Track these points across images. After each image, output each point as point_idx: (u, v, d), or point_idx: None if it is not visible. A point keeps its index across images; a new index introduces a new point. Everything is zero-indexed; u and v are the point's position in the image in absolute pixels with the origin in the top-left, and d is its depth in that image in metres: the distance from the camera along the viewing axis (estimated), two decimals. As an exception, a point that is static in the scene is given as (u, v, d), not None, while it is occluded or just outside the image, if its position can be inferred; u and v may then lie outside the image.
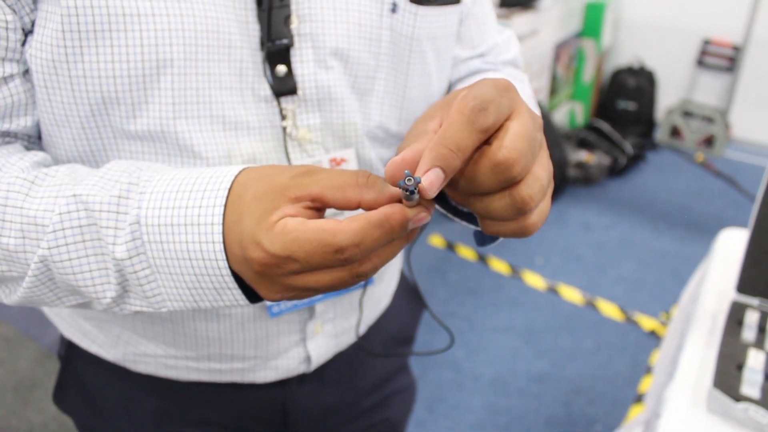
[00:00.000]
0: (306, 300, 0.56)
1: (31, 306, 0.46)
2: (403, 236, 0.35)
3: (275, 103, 0.47)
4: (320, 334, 0.60)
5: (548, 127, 2.69)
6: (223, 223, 0.36)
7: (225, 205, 0.36)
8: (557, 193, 2.83)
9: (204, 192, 0.37)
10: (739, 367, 0.69)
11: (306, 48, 0.46)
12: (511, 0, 2.66)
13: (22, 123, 0.45)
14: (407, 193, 0.32)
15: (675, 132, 3.39)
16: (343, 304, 0.60)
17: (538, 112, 0.47)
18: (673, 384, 0.71)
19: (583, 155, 3.01)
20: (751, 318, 0.77)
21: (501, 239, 0.43)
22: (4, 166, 0.42)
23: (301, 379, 0.63)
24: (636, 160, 3.16)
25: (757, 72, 3.16)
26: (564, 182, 2.87)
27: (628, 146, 3.11)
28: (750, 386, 0.66)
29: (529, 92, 0.58)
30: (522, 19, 2.62)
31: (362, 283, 0.60)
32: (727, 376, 0.67)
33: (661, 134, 3.43)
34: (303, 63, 0.47)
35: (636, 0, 3.40)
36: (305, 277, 0.35)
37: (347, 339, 0.64)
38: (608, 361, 1.91)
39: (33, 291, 0.42)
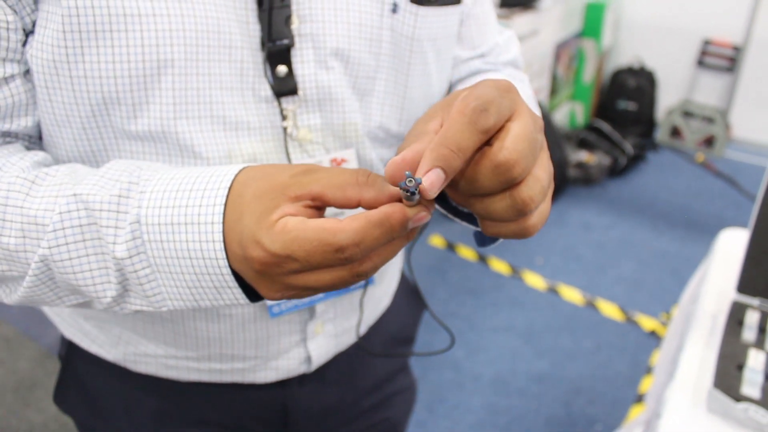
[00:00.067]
0: (306, 300, 0.56)
1: (31, 305, 0.46)
2: (403, 235, 0.35)
3: (276, 103, 0.47)
4: (321, 334, 0.60)
5: (548, 128, 2.69)
6: (224, 222, 0.36)
7: (225, 204, 0.36)
8: (557, 194, 2.83)
9: (204, 191, 0.37)
10: (740, 367, 0.69)
11: (306, 48, 0.46)
12: (512, 0, 2.67)
13: (22, 123, 0.45)
14: (408, 193, 0.32)
15: (675, 132, 3.39)
16: (344, 304, 0.60)
17: (538, 112, 0.47)
18: (673, 384, 0.71)
19: (584, 155, 3.01)
20: (752, 318, 0.77)
21: (501, 240, 0.43)
22: (5, 165, 0.42)
23: (301, 380, 0.63)
24: (636, 160, 3.16)
25: (757, 72, 3.16)
26: (564, 182, 2.87)
27: (629, 146, 3.11)
28: (750, 386, 0.66)
29: (529, 93, 0.58)
30: (522, 20, 2.62)
31: (363, 283, 0.60)
32: (728, 377, 0.67)
33: (661, 134, 3.43)
34: (303, 63, 0.47)
35: (636, 0, 3.40)
36: (305, 276, 0.35)
37: (348, 339, 0.64)
38: (608, 361, 1.91)
39: (33, 290, 0.42)
